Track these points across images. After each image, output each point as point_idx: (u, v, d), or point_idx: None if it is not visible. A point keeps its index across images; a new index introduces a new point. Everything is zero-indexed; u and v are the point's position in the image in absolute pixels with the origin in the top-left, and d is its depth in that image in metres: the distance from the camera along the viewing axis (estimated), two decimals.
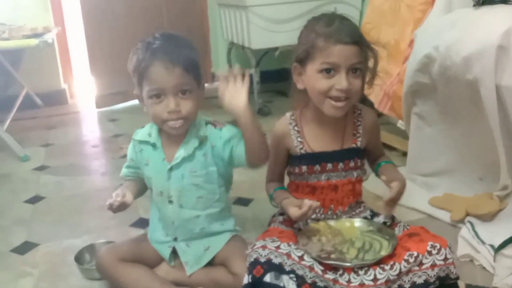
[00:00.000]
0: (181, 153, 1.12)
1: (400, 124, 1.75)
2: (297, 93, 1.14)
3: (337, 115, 1.09)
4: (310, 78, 1.08)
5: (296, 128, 1.16)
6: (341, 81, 1.04)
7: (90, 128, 2.60)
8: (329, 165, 1.14)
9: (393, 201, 1.06)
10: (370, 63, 1.09)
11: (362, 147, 1.17)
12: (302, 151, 1.14)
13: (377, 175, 1.23)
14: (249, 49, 2.56)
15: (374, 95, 1.84)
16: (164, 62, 1.05)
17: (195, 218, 1.15)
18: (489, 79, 1.23)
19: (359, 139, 1.16)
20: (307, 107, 1.16)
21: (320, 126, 1.15)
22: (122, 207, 1.10)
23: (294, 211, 1.05)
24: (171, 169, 1.13)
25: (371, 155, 1.22)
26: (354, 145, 1.15)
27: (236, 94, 1.04)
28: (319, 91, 1.07)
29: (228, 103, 1.04)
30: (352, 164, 1.15)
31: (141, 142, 1.18)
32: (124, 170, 1.23)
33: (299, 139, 1.15)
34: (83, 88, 3.22)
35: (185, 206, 1.14)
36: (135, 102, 3.02)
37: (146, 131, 1.18)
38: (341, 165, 1.14)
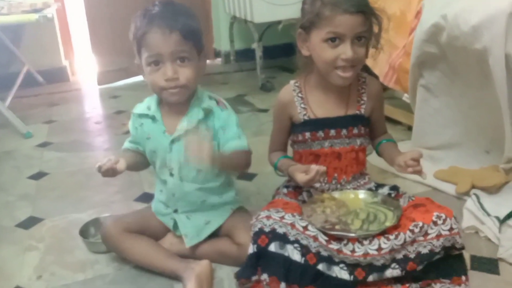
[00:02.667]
0: (183, 125, 1.11)
1: (406, 97, 1.72)
2: (301, 59, 1.12)
3: (345, 84, 1.10)
4: (316, 47, 1.07)
5: (300, 94, 1.15)
6: (346, 50, 1.03)
7: (92, 105, 2.59)
8: (332, 131, 1.13)
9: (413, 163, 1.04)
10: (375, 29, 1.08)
11: (366, 115, 1.16)
12: (306, 117, 1.14)
13: (378, 153, 1.21)
14: (252, 23, 2.51)
15: (379, 68, 1.80)
16: (160, 28, 1.03)
17: (195, 191, 1.14)
18: (498, 48, 1.20)
19: (363, 106, 1.15)
20: (311, 73, 1.15)
21: (324, 92, 1.14)
22: (111, 172, 1.08)
23: (301, 177, 1.05)
24: (172, 141, 1.12)
25: (373, 129, 1.20)
26: (358, 112, 1.14)
27: (199, 151, 0.98)
28: (325, 61, 1.06)
29: (194, 160, 1.00)
30: (355, 131, 1.14)
31: (141, 115, 1.17)
32: (126, 144, 1.23)
33: (302, 105, 1.14)
34: (84, 65, 3.19)
35: (185, 179, 1.14)
36: (137, 79, 2.98)
37: (145, 105, 1.17)
38: (344, 131, 1.13)
